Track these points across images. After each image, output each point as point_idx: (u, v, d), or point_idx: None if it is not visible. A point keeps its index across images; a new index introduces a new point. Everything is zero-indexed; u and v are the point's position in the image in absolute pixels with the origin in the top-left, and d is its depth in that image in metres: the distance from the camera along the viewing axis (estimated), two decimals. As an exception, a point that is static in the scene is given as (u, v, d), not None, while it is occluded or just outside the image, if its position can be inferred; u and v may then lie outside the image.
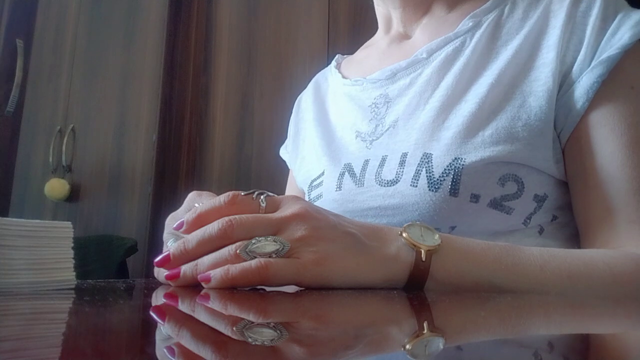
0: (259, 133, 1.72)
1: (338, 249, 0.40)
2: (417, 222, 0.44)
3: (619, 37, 0.53)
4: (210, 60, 1.85)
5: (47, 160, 1.95)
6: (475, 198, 0.53)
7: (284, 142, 0.87)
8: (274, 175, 1.61)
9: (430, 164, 0.55)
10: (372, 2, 0.73)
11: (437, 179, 0.54)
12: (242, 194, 0.42)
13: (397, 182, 0.57)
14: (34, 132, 2.05)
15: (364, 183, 0.61)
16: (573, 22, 0.56)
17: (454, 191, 0.53)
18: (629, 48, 0.53)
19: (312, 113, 0.76)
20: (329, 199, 0.64)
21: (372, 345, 0.21)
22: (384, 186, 0.58)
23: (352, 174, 0.63)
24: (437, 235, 0.43)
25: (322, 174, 0.67)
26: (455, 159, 0.54)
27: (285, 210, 0.41)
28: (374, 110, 0.66)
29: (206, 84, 1.84)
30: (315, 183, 0.68)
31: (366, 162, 0.62)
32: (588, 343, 0.23)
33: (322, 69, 0.85)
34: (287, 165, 0.86)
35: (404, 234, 0.42)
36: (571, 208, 0.57)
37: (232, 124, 1.77)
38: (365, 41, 0.82)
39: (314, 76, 0.84)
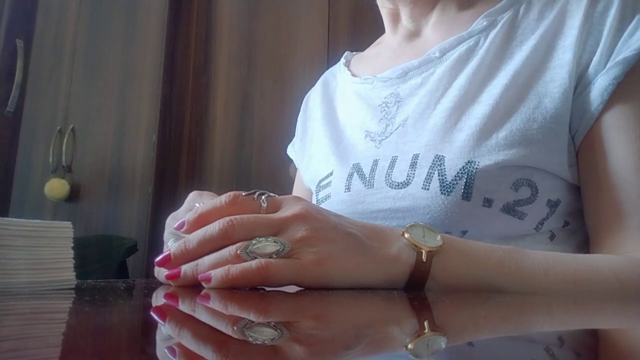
0: (259, 133, 1.72)
1: (339, 249, 0.40)
2: (420, 223, 0.44)
3: (636, 39, 0.52)
4: (210, 61, 1.85)
5: (47, 160, 1.95)
6: (488, 202, 0.53)
7: (284, 142, 0.87)
8: (275, 175, 1.61)
9: (442, 167, 0.54)
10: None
11: (450, 183, 0.53)
12: (243, 194, 0.42)
13: (408, 185, 0.56)
14: (34, 132, 2.05)
15: (373, 184, 0.60)
16: (590, 23, 0.55)
17: (466, 195, 0.52)
18: None
19: (320, 112, 0.75)
20: (337, 199, 0.63)
21: (373, 344, 0.21)
22: (395, 188, 0.57)
23: (362, 175, 0.62)
24: (439, 237, 0.43)
25: (331, 174, 0.66)
26: (469, 162, 0.53)
27: (286, 211, 0.41)
28: (384, 110, 0.65)
29: (206, 85, 1.84)
30: (323, 183, 0.68)
31: (375, 162, 0.61)
32: (591, 340, 0.23)
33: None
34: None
35: (405, 235, 0.42)
36: (582, 214, 0.56)
37: (232, 124, 1.77)
38: (366, 41, 0.81)
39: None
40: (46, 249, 0.37)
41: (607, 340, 0.23)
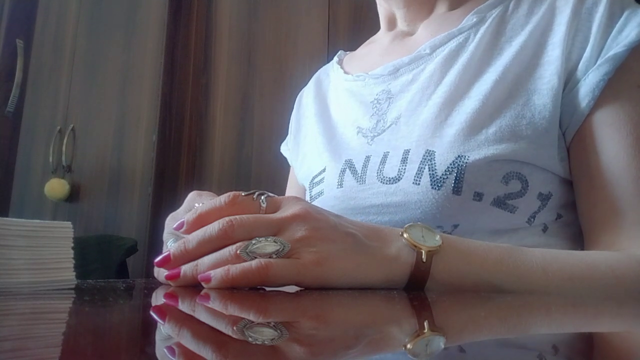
0: (259, 133, 1.72)
1: (338, 249, 0.40)
2: (418, 223, 0.44)
3: (625, 35, 0.53)
4: (210, 61, 1.85)
5: (47, 160, 1.95)
6: (478, 196, 0.53)
7: (284, 141, 0.87)
8: (274, 176, 1.60)
9: (433, 162, 0.55)
10: (373, 3, 0.73)
11: (440, 177, 0.53)
12: (243, 194, 0.42)
13: (399, 180, 0.56)
14: (34, 132, 2.04)
15: (365, 180, 0.60)
16: (579, 19, 0.55)
17: (457, 189, 0.53)
18: (635, 46, 0.52)
19: (314, 109, 0.76)
20: (330, 195, 0.63)
21: (373, 344, 0.21)
22: (386, 183, 0.58)
23: (354, 171, 0.62)
24: (438, 236, 0.43)
25: (324, 170, 0.67)
26: (459, 156, 0.53)
27: (286, 211, 0.41)
28: (376, 106, 0.65)
29: (206, 84, 1.84)
30: (316, 180, 0.68)
31: (367, 158, 0.62)
32: (589, 342, 0.23)
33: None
34: (287, 165, 0.85)
35: (404, 235, 0.42)
36: (575, 207, 0.56)
37: (232, 124, 1.77)
38: (365, 41, 0.82)
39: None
40: (46, 249, 0.37)
41: (605, 342, 0.23)
